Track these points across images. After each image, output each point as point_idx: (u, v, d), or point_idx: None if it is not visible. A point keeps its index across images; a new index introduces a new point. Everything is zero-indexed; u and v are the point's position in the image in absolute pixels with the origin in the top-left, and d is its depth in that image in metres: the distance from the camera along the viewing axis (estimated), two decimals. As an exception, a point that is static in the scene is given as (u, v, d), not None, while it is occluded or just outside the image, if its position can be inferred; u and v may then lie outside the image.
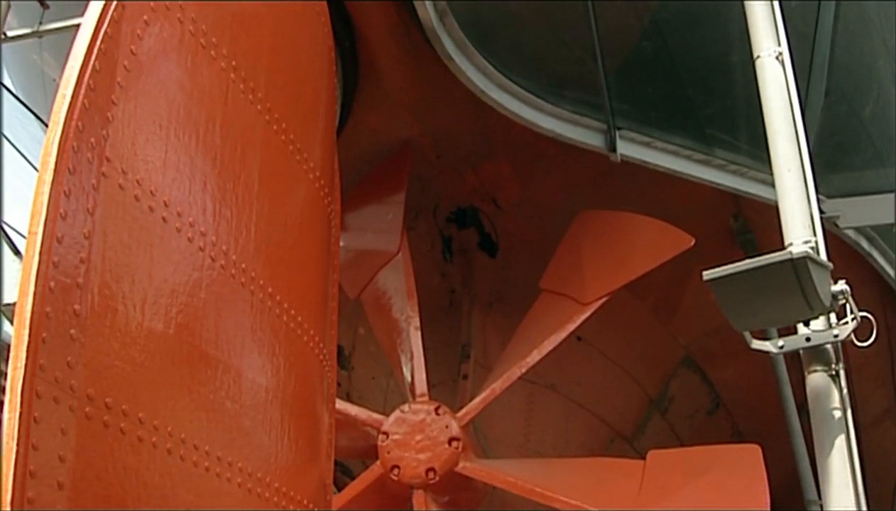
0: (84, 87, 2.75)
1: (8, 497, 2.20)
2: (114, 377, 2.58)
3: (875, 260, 8.73)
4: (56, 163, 2.57)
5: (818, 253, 4.99)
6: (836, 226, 8.00)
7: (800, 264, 4.54)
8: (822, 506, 6.07)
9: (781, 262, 4.59)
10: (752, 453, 6.83)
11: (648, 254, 7.92)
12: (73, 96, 2.72)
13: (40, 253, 2.46)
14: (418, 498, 7.59)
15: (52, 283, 2.47)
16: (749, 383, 10.01)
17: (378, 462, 7.82)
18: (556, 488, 7.38)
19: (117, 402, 2.55)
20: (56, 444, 2.35)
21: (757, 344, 5.25)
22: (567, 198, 8.73)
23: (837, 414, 4.81)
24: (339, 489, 8.02)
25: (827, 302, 4.71)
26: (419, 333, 8.23)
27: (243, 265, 3.38)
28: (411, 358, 8.20)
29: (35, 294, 2.43)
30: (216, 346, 3.07)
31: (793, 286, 4.55)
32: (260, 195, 3.71)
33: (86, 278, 2.57)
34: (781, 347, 5.08)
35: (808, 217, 5.17)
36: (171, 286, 2.95)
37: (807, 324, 4.97)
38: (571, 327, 7.98)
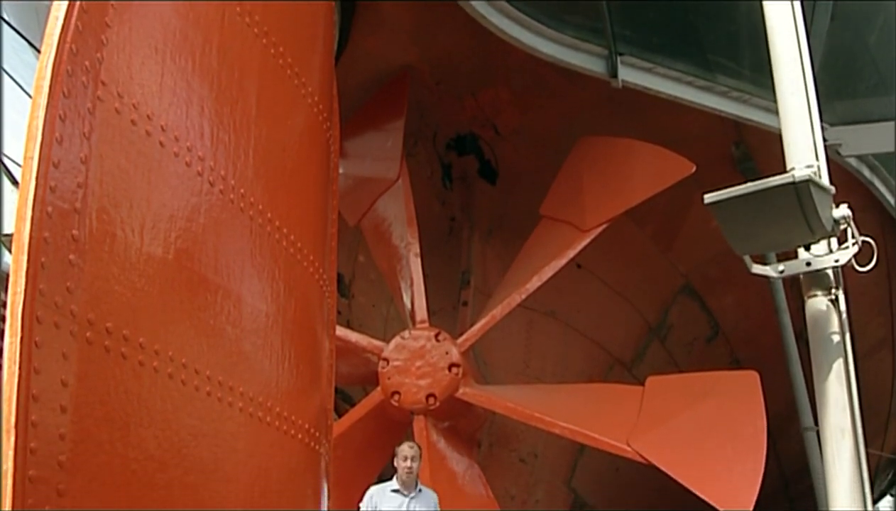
0: (77, 8, 2.70)
1: (12, 420, 2.21)
2: (114, 302, 2.57)
3: (876, 188, 8.69)
4: (50, 86, 2.52)
5: (820, 177, 4.95)
6: (839, 153, 7.95)
7: (802, 188, 4.50)
8: (818, 431, 6.14)
9: (784, 185, 4.55)
10: (750, 379, 6.88)
11: (649, 180, 7.87)
12: (65, 18, 2.66)
13: (37, 177, 2.43)
14: (418, 423, 7.68)
15: (50, 208, 2.45)
16: (748, 311, 10.05)
17: (378, 388, 7.89)
18: (555, 413, 7.46)
19: (118, 326, 2.55)
20: (58, 368, 2.36)
21: (757, 268, 5.24)
22: (567, 124, 8.66)
23: (836, 338, 4.83)
24: (340, 416, 8.10)
25: (828, 226, 4.68)
26: (419, 260, 8.23)
27: (242, 190, 3.35)
28: (411, 284, 8.22)
29: (33, 219, 2.41)
30: (216, 271, 3.06)
31: (794, 210, 4.52)
32: (258, 120, 3.66)
33: (83, 203, 2.55)
34: (781, 272, 5.07)
35: (810, 142, 5.12)
36: (170, 211, 2.93)
37: (807, 248, 4.95)
38: (571, 254, 7.98)
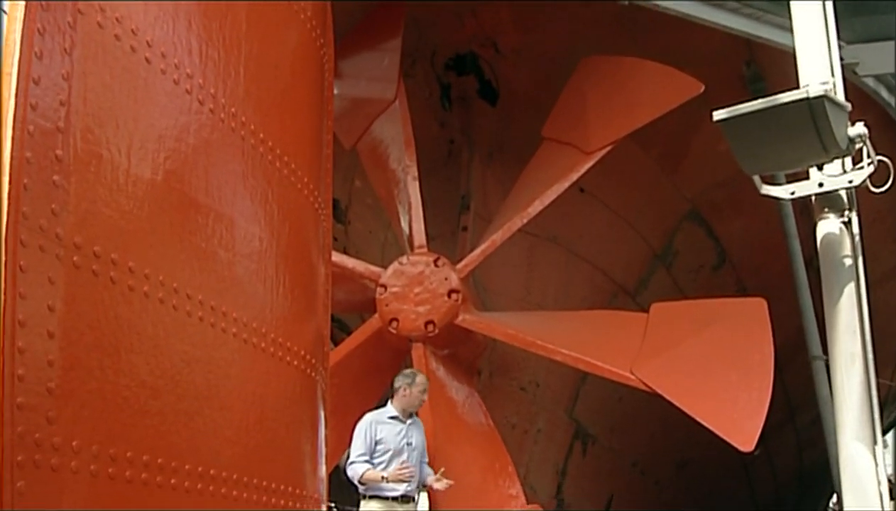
0: (54, -86, 2.61)
1: (-2, 346, 2.20)
2: (101, 225, 2.54)
3: (894, 110, 8.59)
4: (27, -3, 2.46)
5: (835, 94, 4.87)
6: (855, 73, 7.84)
7: (816, 104, 4.42)
8: (826, 360, 6.17)
9: (797, 102, 4.47)
10: (757, 306, 6.89)
11: (655, 101, 7.78)
12: (43, -76, 2.58)
13: (16, 95, 2.38)
14: (417, 351, 7.71)
15: (31, 127, 2.40)
16: (756, 238, 10.02)
17: (376, 315, 7.91)
18: (557, 341, 7.49)
19: (106, 250, 2.52)
20: (44, 293, 2.33)
21: (767, 189, 5.20)
22: (571, 43, 8.52)
23: (848, 262, 4.80)
24: (336, 345, 8.13)
25: (843, 145, 4.60)
26: (417, 184, 8.19)
27: (233, 109, 3.29)
28: (409, 209, 8.18)
29: (14, 138, 2.36)
30: (207, 193, 3.02)
31: (808, 127, 4.44)
32: (248, 36, 3.59)
33: (67, 122, 2.50)
34: (793, 194, 5.03)
35: (826, 59, 5.02)
36: (158, 131, 2.88)
37: (820, 169, 4.89)
38: (574, 177, 7.93)
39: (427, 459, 7.20)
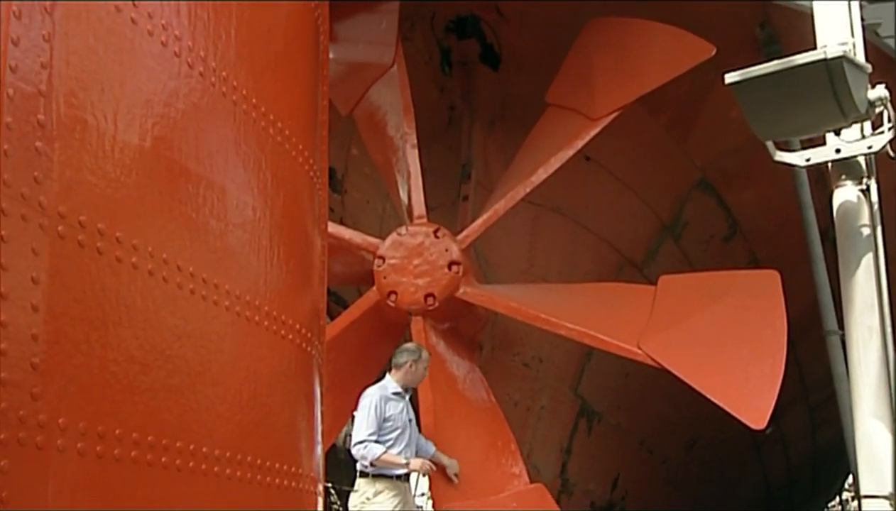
0: None
1: (-20, 320, 2.19)
2: (87, 194, 2.51)
3: (918, 72, 8.54)
4: (6, -47, 2.42)
5: (855, 56, 4.81)
6: (876, 34, 7.77)
7: (834, 65, 4.37)
8: (842, 335, 6.15)
9: (814, 63, 4.42)
10: (770, 279, 6.87)
11: (664, 64, 7.73)
12: None
13: (-5, 56, 2.35)
14: (416, 325, 7.71)
15: (11, 91, 2.37)
16: (769, 208, 9.98)
17: (374, 288, 7.90)
18: (561, 314, 7.48)
19: (92, 220, 2.49)
20: (27, 264, 2.31)
21: (781, 156, 5.17)
22: (577, 6, 8.45)
23: (866, 231, 4.77)
24: (332, 319, 8.12)
25: (862, 109, 4.56)
26: (416, 151, 8.15)
27: (224, 73, 3.26)
28: (408, 178, 8.15)
29: (-7, 102, 2.33)
30: (197, 160, 2.99)
31: (825, 90, 4.40)
32: (240, -4, 3.55)
33: (49, 85, 2.46)
34: (808, 160, 5.00)
35: (845, 18, 4.97)
36: (146, 95, 2.85)
37: (837, 134, 4.85)
38: (580, 144, 7.89)
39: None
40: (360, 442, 6.88)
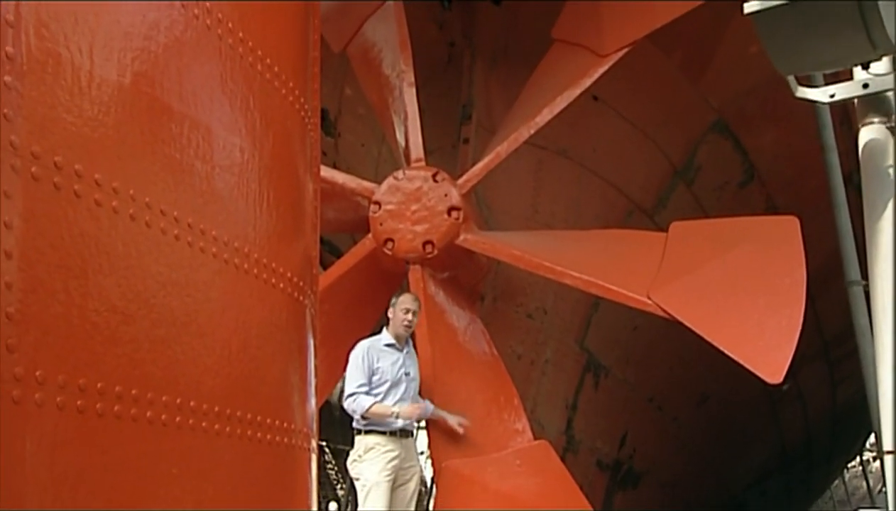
0: None
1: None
2: (62, 132, 2.48)
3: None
4: None
5: (887, -19, 4.72)
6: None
7: (865, -8, 4.29)
8: (865, 285, 6.14)
9: (843, -10, 4.34)
10: (788, 225, 6.84)
11: (678, -4, 7.65)
12: None
13: (-40, -16, 2.31)
14: (415, 274, 7.70)
15: (-22, 21, 2.33)
16: (788, 151, 9.94)
17: (369, 235, 7.89)
18: (566, 262, 7.46)
19: (68, 160, 2.46)
20: None
21: (803, 92, 5.10)
22: (585, -68, 8.35)
23: (893, 173, 4.72)
24: (326, 269, 8.12)
25: (894, 40, 4.46)
26: (413, 91, 8.09)
27: (208, 5, 3.21)
28: (405, 119, 8.10)
29: (-41, 34, 2.30)
30: (180, 98, 2.95)
31: (853, 20, 4.31)
32: (224, -79, 3.49)
33: (17, 15, 2.42)
34: (832, 96, 4.93)
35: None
36: (124, 28, 2.80)
37: (865, 67, 4.76)
38: (587, 82, 7.82)
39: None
40: (350, 394, 6.94)
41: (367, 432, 6.98)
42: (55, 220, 2.41)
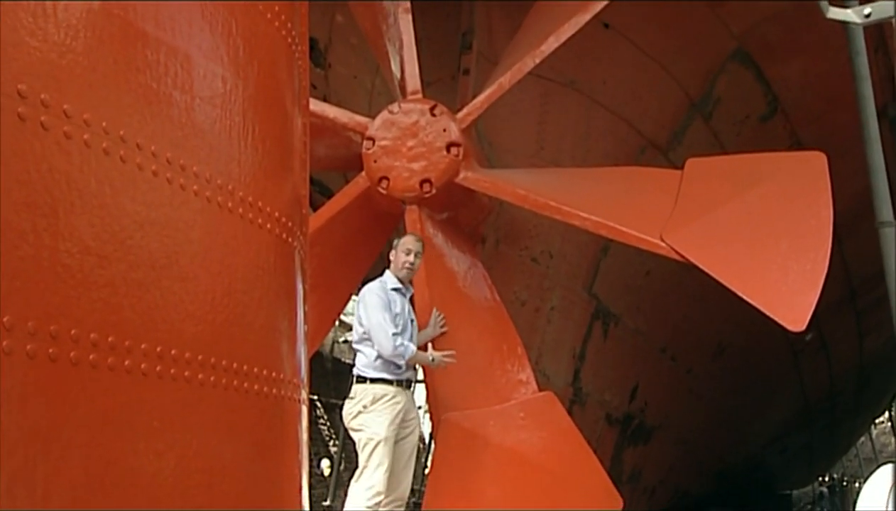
0: None
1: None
2: (26, 59, 2.44)
3: None
4: None
5: None
6: None
7: None
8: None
9: None
10: (814, 161, 6.80)
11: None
12: None
13: None
14: (411, 215, 7.69)
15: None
16: (816, 81, 9.85)
17: (362, 174, 7.86)
18: (574, 202, 7.44)
19: (34, 90, 2.43)
20: (-40, 141, 2.27)
21: (834, 13, 5.03)
22: None
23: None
24: (316, 211, 8.11)
25: None
26: (410, 17, 8.02)
27: (185, -81, 3.15)
28: (401, 48, 8.04)
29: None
30: (156, 23, 2.91)
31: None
32: None
33: (-24, -71, 2.38)
34: (867, 16, 4.85)
35: None
36: (93, -55, 2.76)
37: (906, -18, 4.69)
38: (597, 8, 7.74)
39: None
40: (395, 336, 6.88)
41: (374, 381, 6.97)
42: (20, 154, 2.38)
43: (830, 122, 9.65)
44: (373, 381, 6.97)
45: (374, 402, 6.93)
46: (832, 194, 6.57)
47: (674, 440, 15.33)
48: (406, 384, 7.07)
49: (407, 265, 7.12)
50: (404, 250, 7.14)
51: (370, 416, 6.90)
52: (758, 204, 6.91)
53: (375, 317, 6.93)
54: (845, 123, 8.49)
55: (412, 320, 7.21)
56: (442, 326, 7.39)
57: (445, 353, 7.20)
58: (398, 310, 7.05)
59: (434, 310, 7.37)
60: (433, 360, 7.11)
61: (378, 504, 6.78)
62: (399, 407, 6.95)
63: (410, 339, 7.06)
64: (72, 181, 2.47)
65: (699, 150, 9.22)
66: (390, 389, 6.95)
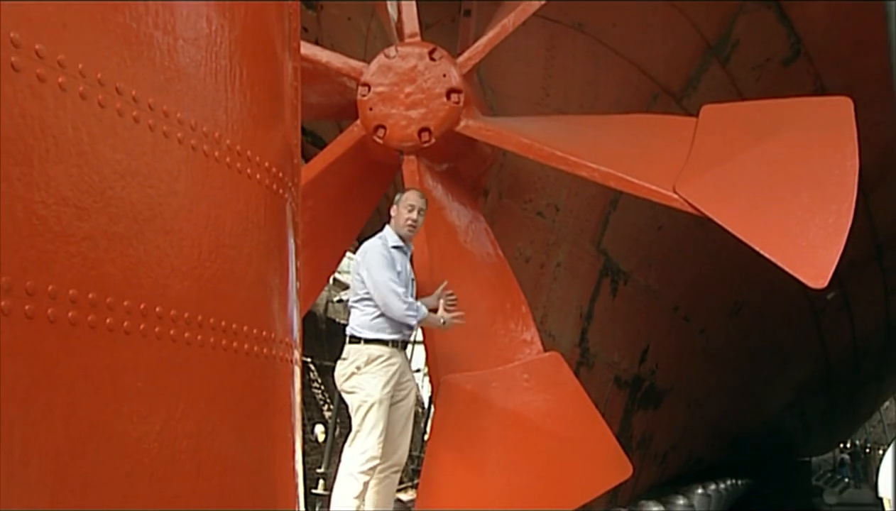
0: None
1: None
2: (-3, -4, 2.42)
3: None
4: None
5: None
6: None
7: None
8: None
9: None
10: (840, 107, 6.74)
11: None
12: None
13: None
14: (409, 166, 7.67)
15: None
16: (843, 22, 9.77)
17: (357, 122, 7.83)
18: (581, 152, 7.42)
19: (4, 28, 2.40)
20: (-74, 85, 2.24)
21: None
22: None
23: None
24: (308, 161, 8.09)
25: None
26: (407, -46, 7.97)
27: None
28: (398, -13, 8.00)
29: None
30: (135, -43, 2.89)
31: None
32: None
33: None
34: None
35: None
36: None
37: None
38: (607, -55, 7.70)
39: None
40: (401, 295, 6.92)
41: (368, 342, 7.00)
42: (-8, 97, 2.36)
43: (858, 67, 9.60)
44: (367, 341, 6.98)
45: (367, 363, 6.95)
46: (858, 143, 6.53)
47: (686, 404, 15.41)
48: (402, 345, 7.08)
49: (409, 222, 7.10)
50: (407, 207, 7.12)
51: (364, 377, 6.93)
52: (778, 153, 6.87)
53: (381, 276, 6.94)
54: (874, 68, 8.43)
55: (412, 280, 7.21)
56: (450, 301, 7.36)
57: (455, 314, 7.20)
58: (399, 269, 7.05)
59: (443, 284, 7.35)
60: (444, 322, 7.12)
61: (372, 469, 6.81)
62: (394, 368, 6.96)
63: (411, 298, 7.08)
64: (46, 127, 2.44)
65: (715, 97, 9.18)
66: (385, 350, 6.96)
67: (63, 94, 2.50)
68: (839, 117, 6.65)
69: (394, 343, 7.00)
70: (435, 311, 7.18)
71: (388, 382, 6.92)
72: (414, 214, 7.10)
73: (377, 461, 6.82)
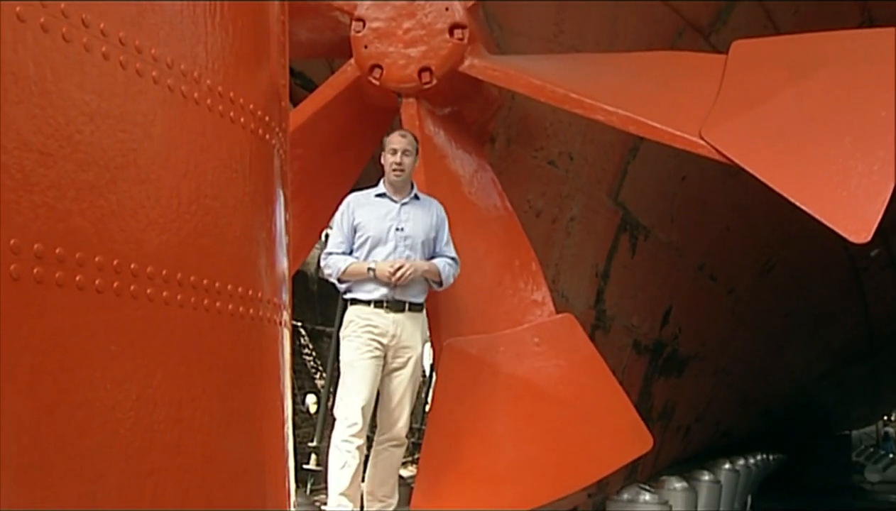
0: None
1: None
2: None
3: None
4: None
5: None
6: None
7: None
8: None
9: None
10: (887, 40, 6.65)
11: None
12: None
13: None
14: (408, 109, 7.65)
15: None
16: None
17: (351, 61, 7.81)
18: (598, 94, 7.39)
19: (-40, -46, 2.39)
20: None
21: None
22: None
23: None
24: (297, 105, 8.07)
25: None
26: None
27: None
28: None
29: None
30: None
31: None
32: None
33: None
34: None
35: None
36: None
37: None
38: None
39: (452, 253, 7.25)
40: (328, 254, 7.00)
41: (352, 302, 7.04)
42: (-60, 30, 2.34)
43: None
44: (352, 302, 7.03)
45: (346, 326, 7.01)
46: None
47: (712, 372, 15.43)
48: (389, 305, 7.00)
49: (393, 166, 7.05)
50: (390, 150, 7.10)
51: (344, 342, 7.00)
52: (817, 93, 6.83)
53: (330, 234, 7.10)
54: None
55: (399, 229, 7.04)
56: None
57: (393, 261, 6.97)
58: (366, 218, 6.98)
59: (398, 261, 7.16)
60: (371, 271, 6.92)
61: (354, 435, 6.82)
62: (373, 331, 6.93)
63: (393, 251, 6.98)
64: (5, 63, 2.43)
65: (747, 32, 9.12)
66: (365, 310, 6.97)
67: (22, 26, 2.48)
68: (886, 53, 6.60)
69: (376, 303, 6.97)
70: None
71: (365, 344, 6.90)
72: (396, 157, 7.03)
73: (358, 426, 6.83)
